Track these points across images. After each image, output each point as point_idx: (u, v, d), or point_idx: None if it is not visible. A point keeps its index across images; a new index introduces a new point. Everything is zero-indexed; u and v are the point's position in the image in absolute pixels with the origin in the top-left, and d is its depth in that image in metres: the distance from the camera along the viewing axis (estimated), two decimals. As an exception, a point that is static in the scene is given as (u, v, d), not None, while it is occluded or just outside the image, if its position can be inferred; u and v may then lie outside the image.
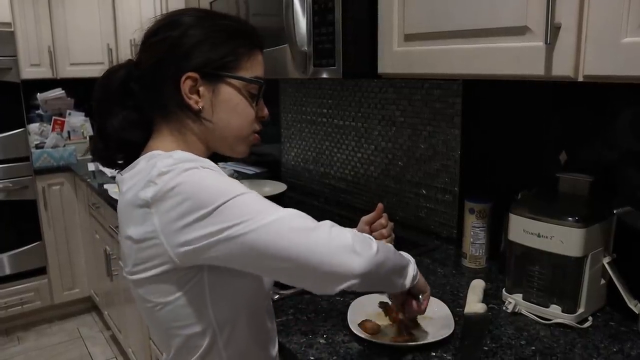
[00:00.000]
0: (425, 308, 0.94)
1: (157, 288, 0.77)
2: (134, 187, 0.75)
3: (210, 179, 0.72)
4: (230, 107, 0.82)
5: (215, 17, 0.83)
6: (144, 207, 0.72)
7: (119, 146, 0.84)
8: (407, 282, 0.86)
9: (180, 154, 0.75)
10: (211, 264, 0.74)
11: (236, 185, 0.73)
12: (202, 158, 0.77)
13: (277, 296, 1.16)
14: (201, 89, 0.80)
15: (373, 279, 0.76)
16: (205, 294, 0.78)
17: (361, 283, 0.72)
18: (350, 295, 1.16)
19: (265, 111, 0.88)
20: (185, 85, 0.79)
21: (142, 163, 0.78)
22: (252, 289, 0.84)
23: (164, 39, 0.80)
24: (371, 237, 0.78)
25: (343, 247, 0.70)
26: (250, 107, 0.84)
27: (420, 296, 0.93)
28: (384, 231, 1.03)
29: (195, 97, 0.80)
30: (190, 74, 0.79)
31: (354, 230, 0.76)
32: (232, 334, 0.82)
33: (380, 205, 1.04)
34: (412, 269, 0.87)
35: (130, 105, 0.84)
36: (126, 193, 0.77)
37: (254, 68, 0.84)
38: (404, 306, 0.95)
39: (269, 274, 0.74)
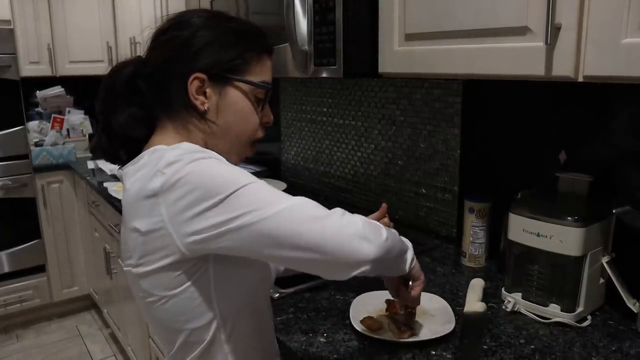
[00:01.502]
0: (418, 295, 0.92)
1: (162, 280, 0.77)
2: (140, 179, 0.75)
3: (219, 169, 0.72)
4: (236, 110, 0.82)
5: (227, 19, 0.84)
6: (152, 197, 0.72)
7: (124, 142, 0.85)
8: (407, 266, 0.87)
9: (187, 145, 0.76)
10: (218, 255, 0.75)
11: (245, 174, 0.73)
12: (208, 150, 0.77)
13: (277, 295, 1.17)
14: (208, 90, 0.80)
15: (383, 264, 0.76)
16: (210, 287, 0.78)
17: (373, 268, 0.73)
18: (351, 293, 1.16)
19: (271, 117, 0.89)
20: (193, 86, 0.79)
21: (146, 157, 0.78)
22: (256, 282, 0.84)
23: (174, 38, 0.80)
24: (379, 223, 0.78)
25: (355, 235, 0.71)
26: (255, 111, 0.84)
27: (410, 282, 0.92)
28: None
29: (201, 98, 0.81)
30: (198, 74, 0.79)
31: (363, 217, 0.76)
32: (234, 327, 0.82)
33: (384, 205, 1.04)
34: (410, 253, 0.88)
35: (136, 102, 0.84)
36: (131, 186, 0.77)
37: (263, 73, 0.84)
38: (398, 292, 0.95)
39: (281, 262, 0.74)
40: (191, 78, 0.79)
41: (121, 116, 0.83)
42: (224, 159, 0.76)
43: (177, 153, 0.73)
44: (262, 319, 0.89)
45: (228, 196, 0.69)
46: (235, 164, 0.87)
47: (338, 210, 0.73)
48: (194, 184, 0.70)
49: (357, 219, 0.74)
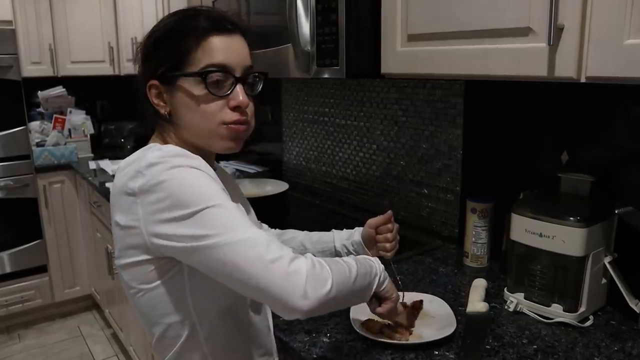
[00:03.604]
0: (387, 312, 0.91)
1: (138, 274, 0.81)
2: (125, 175, 0.78)
3: (195, 181, 0.74)
4: (187, 106, 0.82)
5: (170, 16, 0.84)
6: (131, 195, 0.76)
7: (136, 145, 0.89)
8: (369, 295, 0.86)
9: (170, 148, 0.78)
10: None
11: (216, 194, 0.74)
12: (192, 155, 0.79)
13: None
14: (165, 94, 0.83)
15: (323, 311, 0.75)
16: (184, 284, 0.81)
17: (307, 317, 0.72)
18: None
19: (238, 99, 0.81)
20: (151, 94, 0.83)
21: (138, 153, 0.81)
22: None
23: (138, 52, 0.85)
24: (330, 270, 0.75)
25: (293, 288, 0.70)
26: (206, 101, 0.80)
27: (374, 299, 0.90)
28: (389, 235, 1.04)
29: (161, 103, 0.83)
30: (151, 81, 0.82)
31: (313, 261, 0.74)
32: (213, 326, 0.84)
33: (390, 212, 1.04)
34: (376, 281, 0.86)
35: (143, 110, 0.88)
36: (118, 181, 0.81)
37: (207, 57, 0.79)
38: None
39: (230, 287, 0.76)
40: (148, 87, 0.82)
41: (146, 120, 0.88)
42: (206, 167, 0.78)
43: (158, 155, 0.75)
44: (245, 319, 0.90)
45: (195, 213, 0.71)
46: (227, 152, 0.85)
47: (287, 256, 0.71)
48: (168, 191, 0.72)
49: (303, 269, 0.71)
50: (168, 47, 0.81)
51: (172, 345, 0.85)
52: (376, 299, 0.90)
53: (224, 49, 0.80)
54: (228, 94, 0.81)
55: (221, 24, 0.81)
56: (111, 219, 0.84)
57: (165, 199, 0.72)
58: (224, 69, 0.80)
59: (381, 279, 0.87)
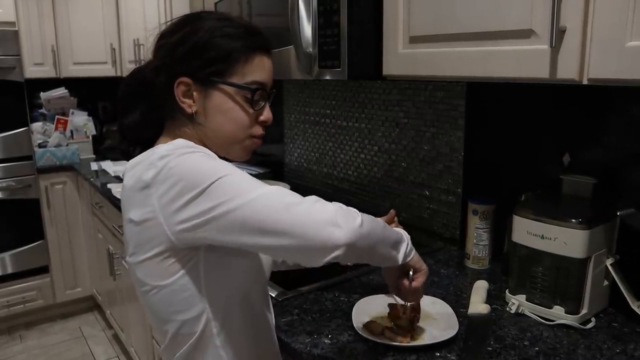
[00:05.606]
0: (420, 287, 0.92)
1: (154, 270, 0.80)
2: (136, 173, 0.79)
3: (202, 161, 0.75)
4: (222, 112, 0.84)
5: (217, 21, 0.84)
6: (145, 188, 0.76)
7: (136, 142, 0.89)
8: (400, 256, 0.87)
9: (180, 141, 0.79)
10: (207, 245, 0.77)
11: (225, 166, 0.75)
12: (201, 147, 0.80)
13: (282, 297, 1.17)
14: (195, 93, 0.83)
15: (358, 250, 0.76)
16: (200, 279, 0.80)
17: (346, 254, 0.73)
18: (355, 295, 1.16)
19: (267, 115, 0.88)
20: (179, 90, 0.82)
21: (145, 154, 0.82)
22: (246, 273, 0.86)
23: (164, 44, 0.84)
24: (357, 211, 0.78)
25: (324, 221, 0.71)
26: (244, 112, 0.84)
27: (410, 272, 0.92)
28: None
29: (189, 101, 0.83)
30: (182, 79, 0.82)
31: (340, 204, 0.76)
32: (226, 320, 0.84)
33: (393, 211, 1.05)
34: (405, 245, 0.88)
35: (147, 104, 0.88)
36: (128, 181, 0.81)
37: (252, 73, 0.84)
38: (398, 287, 0.95)
39: (258, 250, 0.76)
40: (176, 83, 0.82)
41: (131, 117, 0.88)
42: (212, 154, 0.79)
43: (169, 147, 0.77)
44: (257, 314, 0.90)
45: (208, 187, 0.72)
46: (242, 160, 0.89)
47: (312, 198, 0.75)
48: (179, 175, 0.73)
49: (330, 206, 0.74)
50: (215, 54, 0.81)
51: (185, 342, 0.84)
52: (405, 276, 0.92)
53: (267, 69, 0.86)
54: (261, 109, 0.87)
55: (268, 44, 0.86)
56: (123, 220, 0.84)
57: (177, 184, 0.73)
58: (264, 87, 0.86)
59: (409, 246, 0.89)
